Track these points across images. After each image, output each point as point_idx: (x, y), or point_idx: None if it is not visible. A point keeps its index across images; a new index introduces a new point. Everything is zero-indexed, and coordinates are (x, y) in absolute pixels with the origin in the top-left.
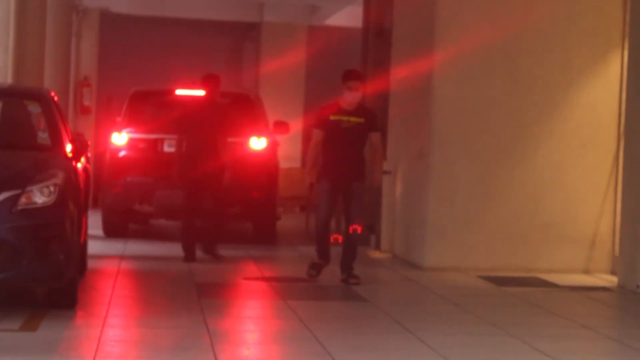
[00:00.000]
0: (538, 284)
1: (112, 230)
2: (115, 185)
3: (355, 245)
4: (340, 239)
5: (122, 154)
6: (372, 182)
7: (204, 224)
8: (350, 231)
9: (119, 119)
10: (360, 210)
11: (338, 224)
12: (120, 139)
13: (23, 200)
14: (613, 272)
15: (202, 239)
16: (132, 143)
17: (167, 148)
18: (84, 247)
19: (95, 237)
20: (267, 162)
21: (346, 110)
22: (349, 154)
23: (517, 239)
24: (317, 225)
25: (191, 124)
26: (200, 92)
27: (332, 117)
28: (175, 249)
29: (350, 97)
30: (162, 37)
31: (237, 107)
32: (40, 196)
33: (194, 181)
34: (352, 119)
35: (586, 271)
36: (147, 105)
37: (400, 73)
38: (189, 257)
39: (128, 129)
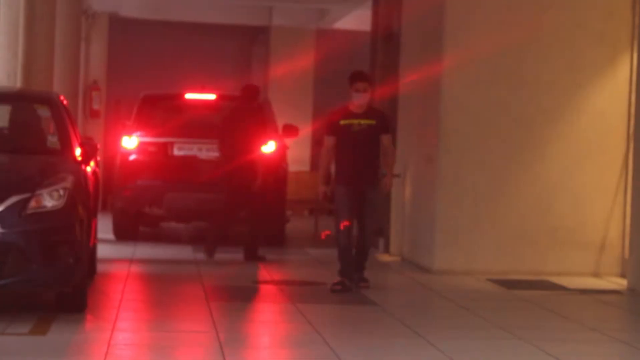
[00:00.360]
0: (548, 287)
1: (123, 233)
2: (126, 189)
3: (366, 249)
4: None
5: (132, 157)
6: (383, 186)
7: (251, 227)
8: (341, 227)
9: (129, 123)
10: (374, 216)
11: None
12: (130, 142)
13: (32, 204)
14: (623, 275)
15: (245, 245)
16: (142, 147)
17: (177, 151)
18: (93, 250)
19: (104, 241)
20: (276, 166)
21: (356, 113)
22: (362, 157)
23: (526, 242)
24: (339, 236)
25: (232, 130)
26: (210, 96)
27: (342, 122)
28: (185, 252)
29: (358, 100)
30: (170, 41)
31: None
32: (49, 200)
33: (233, 183)
34: (363, 121)
35: (596, 274)
36: (157, 109)
37: (409, 77)
38: (211, 254)
39: (138, 133)
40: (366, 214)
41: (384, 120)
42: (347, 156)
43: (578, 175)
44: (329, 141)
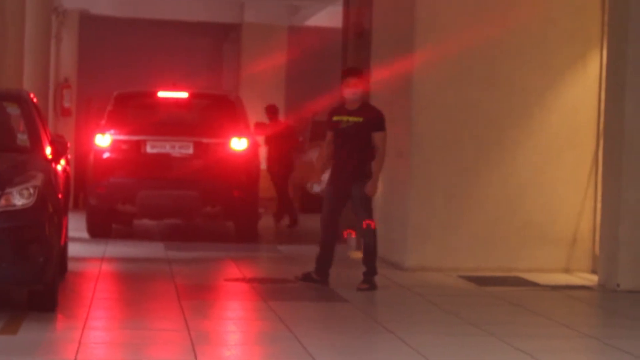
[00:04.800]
0: (519, 284)
1: (97, 231)
2: (99, 186)
3: (368, 249)
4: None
5: (105, 155)
6: (367, 189)
7: None
8: (364, 226)
9: (102, 121)
10: (365, 208)
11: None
12: (104, 140)
13: (2, 202)
14: (593, 271)
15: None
16: (115, 144)
17: (150, 149)
18: (64, 249)
19: (76, 239)
20: (248, 163)
21: (347, 110)
22: (348, 155)
23: (497, 239)
24: (321, 231)
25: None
26: (183, 94)
27: (334, 118)
28: (157, 250)
29: (349, 96)
30: (142, 38)
31: (217, 109)
32: (19, 198)
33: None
34: (352, 118)
35: (567, 270)
36: (130, 107)
37: (380, 74)
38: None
39: (111, 131)
40: (356, 212)
41: (374, 118)
42: (336, 153)
43: (549, 171)
44: (328, 135)
